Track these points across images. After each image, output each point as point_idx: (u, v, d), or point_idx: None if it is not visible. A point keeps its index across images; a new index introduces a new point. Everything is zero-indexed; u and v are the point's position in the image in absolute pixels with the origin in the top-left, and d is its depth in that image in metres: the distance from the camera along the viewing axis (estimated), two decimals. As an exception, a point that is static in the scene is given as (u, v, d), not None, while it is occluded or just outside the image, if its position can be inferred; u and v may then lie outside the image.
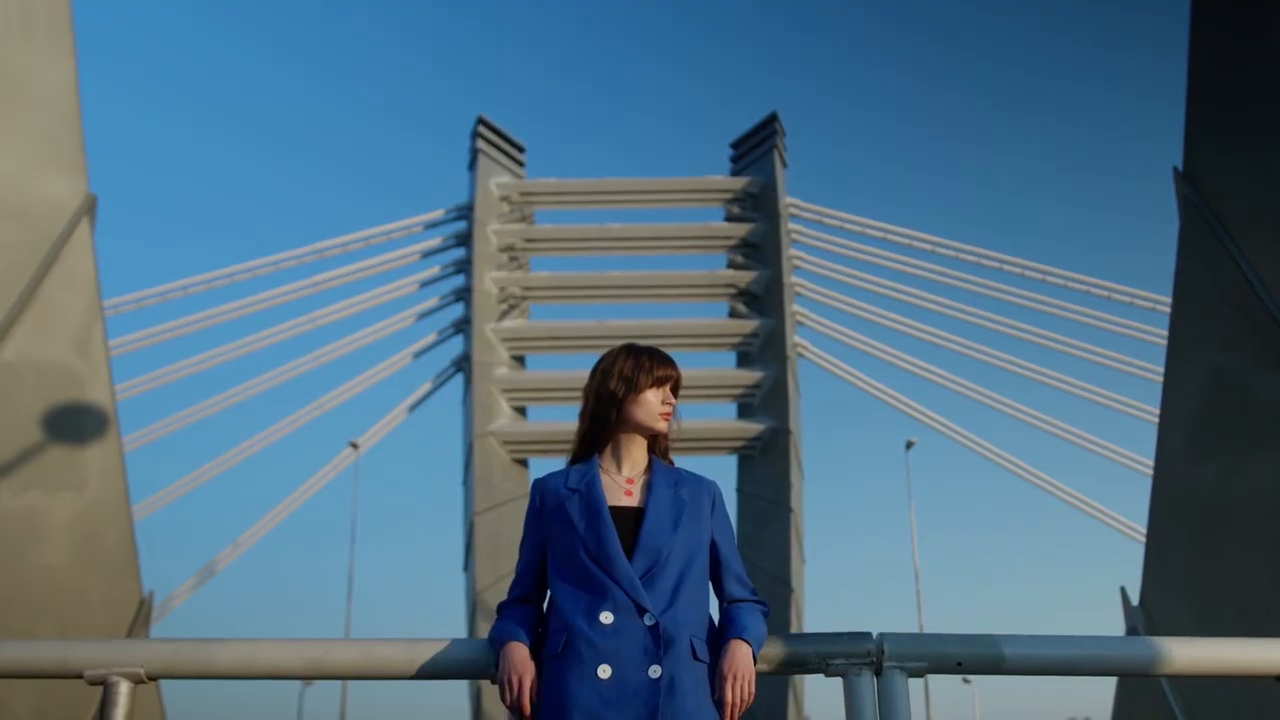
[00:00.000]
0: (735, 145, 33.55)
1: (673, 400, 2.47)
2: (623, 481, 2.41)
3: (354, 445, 27.85)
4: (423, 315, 30.12)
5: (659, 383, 2.45)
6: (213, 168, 62.24)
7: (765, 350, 29.82)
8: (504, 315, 30.76)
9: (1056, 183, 59.95)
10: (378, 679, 2.47)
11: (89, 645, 2.44)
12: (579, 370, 28.42)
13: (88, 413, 7.57)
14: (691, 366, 28.73)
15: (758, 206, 31.48)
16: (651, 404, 2.43)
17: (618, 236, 31.21)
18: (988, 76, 61.50)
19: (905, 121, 61.53)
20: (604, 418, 2.44)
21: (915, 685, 2.45)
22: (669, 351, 2.56)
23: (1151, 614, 8.62)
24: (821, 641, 2.43)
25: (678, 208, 32.29)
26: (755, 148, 32.69)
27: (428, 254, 30.60)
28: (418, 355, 29.87)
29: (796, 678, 25.16)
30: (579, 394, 2.55)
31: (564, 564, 2.32)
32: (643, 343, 2.58)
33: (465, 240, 30.98)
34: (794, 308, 30.10)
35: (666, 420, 2.46)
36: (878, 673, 2.39)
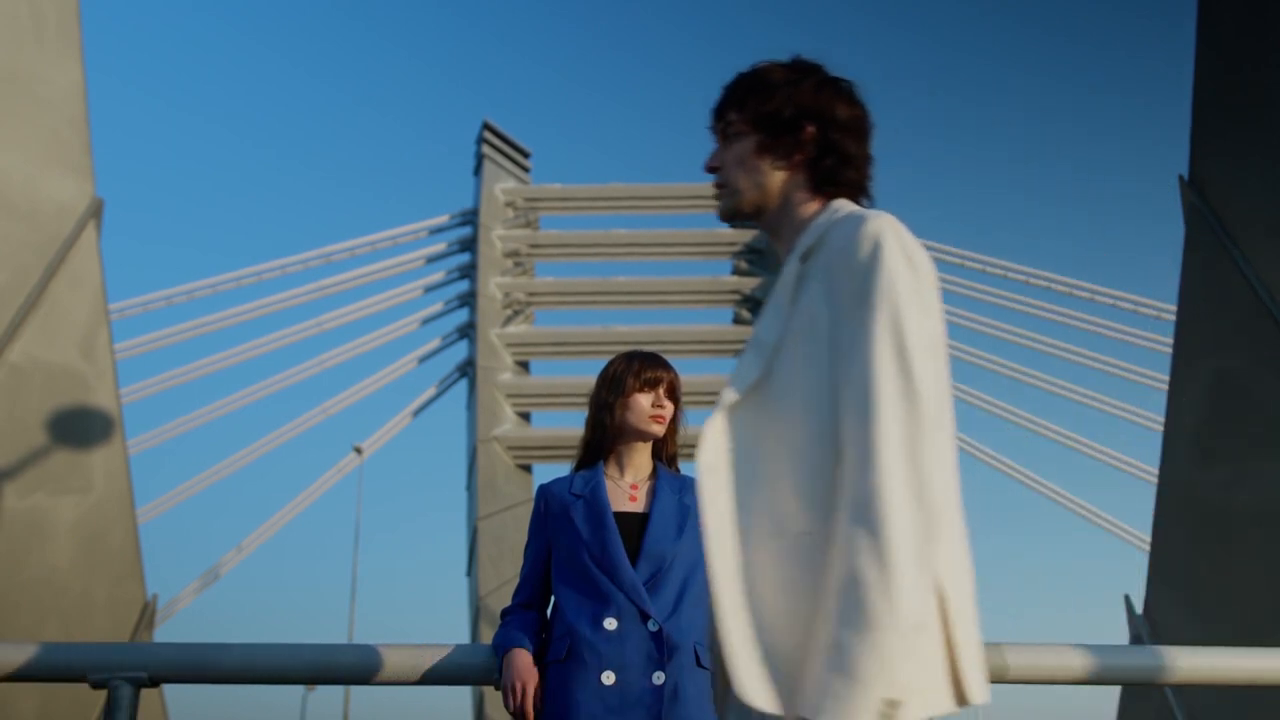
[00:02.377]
0: (740, 151, 33.56)
1: (665, 403, 2.43)
2: (627, 487, 2.40)
3: (358, 450, 27.86)
4: (427, 320, 30.15)
5: (648, 385, 2.42)
6: (217, 169, 62.42)
7: (770, 356, 29.76)
8: (508, 320, 30.78)
9: (1062, 188, 59.92)
10: (381, 684, 2.46)
11: (93, 648, 2.44)
12: (583, 376, 28.43)
13: (93, 415, 7.58)
14: (696, 373, 28.70)
15: (763, 212, 31.48)
16: (641, 407, 2.41)
17: (622, 242, 31.23)
18: (996, 82, 61.49)
19: (908, 124, 61.54)
20: (602, 424, 2.44)
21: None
22: (673, 358, 2.55)
23: (1156, 622, 8.59)
24: (825, 649, 2.42)
25: (683, 213, 32.32)
26: (760, 154, 32.70)
27: (432, 259, 30.64)
28: (422, 360, 29.90)
29: (800, 684, 25.04)
30: (583, 399, 2.55)
31: (568, 570, 2.32)
32: (646, 348, 2.58)
33: (470, 245, 31.02)
34: (799, 314, 30.08)
35: (659, 424, 2.42)
36: (882, 680, 2.38)
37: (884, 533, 1.25)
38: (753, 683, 1.34)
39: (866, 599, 1.24)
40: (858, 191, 1.61)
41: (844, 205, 1.55)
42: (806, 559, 1.35)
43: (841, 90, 1.62)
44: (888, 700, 1.24)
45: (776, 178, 1.60)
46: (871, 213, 1.48)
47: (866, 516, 1.27)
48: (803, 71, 1.62)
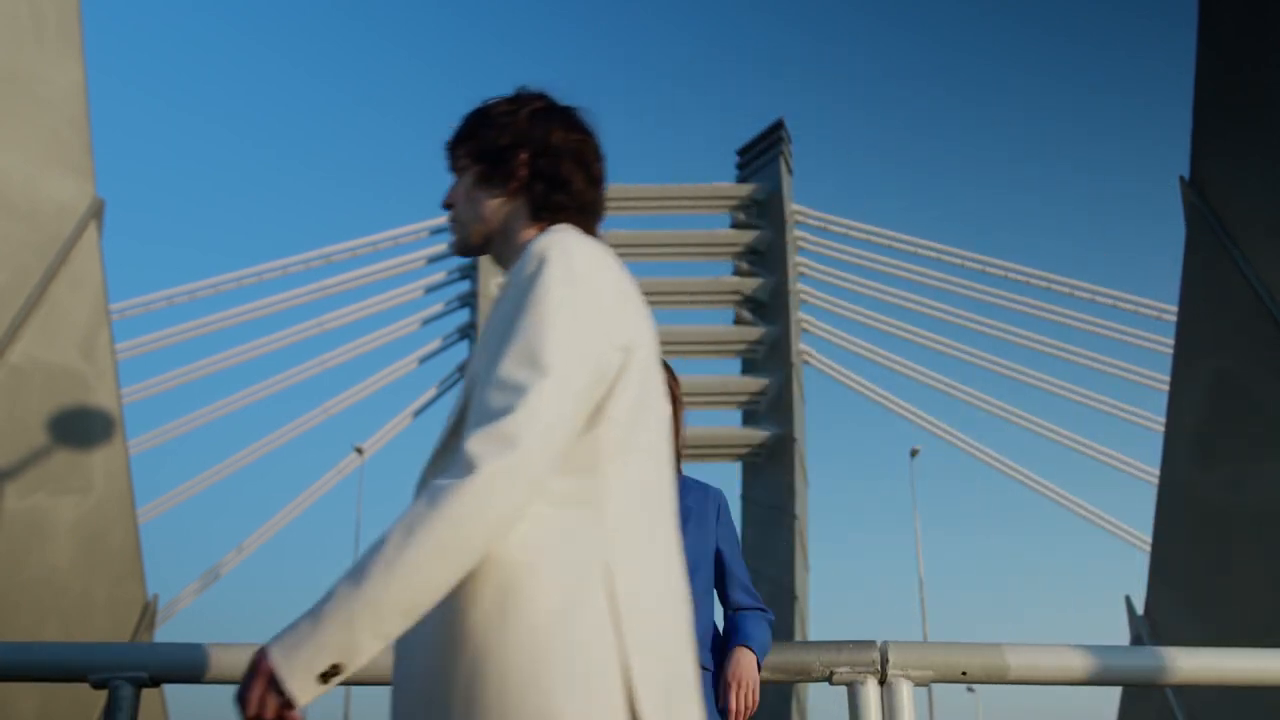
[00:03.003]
0: (741, 152, 33.59)
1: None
2: (627, 488, 2.39)
3: (359, 450, 27.86)
4: (428, 321, 30.18)
5: None
6: (217, 169, 62.46)
7: (770, 357, 29.81)
8: (509, 320, 30.77)
9: (1062, 188, 59.90)
10: (381, 684, 2.46)
11: (93, 648, 2.45)
12: (584, 376, 28.29)
13: (94, 415, 7.58)
14: (697, 373, 28.77)
15: (763, 213, 31.50)
16: None
17: (623, 242, 31.23)
18: (997, 83, 61.50)
19: (908, 124, 61.56)
20: None
21: (920, 694, 2.45)
22: (673, 358, 2.55)
23: (1156, 623, 8.58)
24: (826, 650, 2.42)
25: (683, 214, 32.32)
26: (761, 154, 32.72)
27: (433, 260, 30.66)
28: (423, 360, 29.93)
29: (800, 686, 25.07)
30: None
31: (568, 570, 2.31)
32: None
33: (471, 245, 31.03)
34: (799, 315, 30.09)
35: None
36: (882, 681, 2.38)
37: (435, 511, 1.23)
38: None
39: (372, 559, 1.23)
40: (581, 215, 1.60)
41: (562, 230, 1.52)
42: None
43: (559, 117, 1.61)
44: (335, 664, 1.22)
45: (495, 207, 1.59)
46: (555, 232, 1.46)
47: (429, 497, 1.25)
48: (522, 102, 1.63)
